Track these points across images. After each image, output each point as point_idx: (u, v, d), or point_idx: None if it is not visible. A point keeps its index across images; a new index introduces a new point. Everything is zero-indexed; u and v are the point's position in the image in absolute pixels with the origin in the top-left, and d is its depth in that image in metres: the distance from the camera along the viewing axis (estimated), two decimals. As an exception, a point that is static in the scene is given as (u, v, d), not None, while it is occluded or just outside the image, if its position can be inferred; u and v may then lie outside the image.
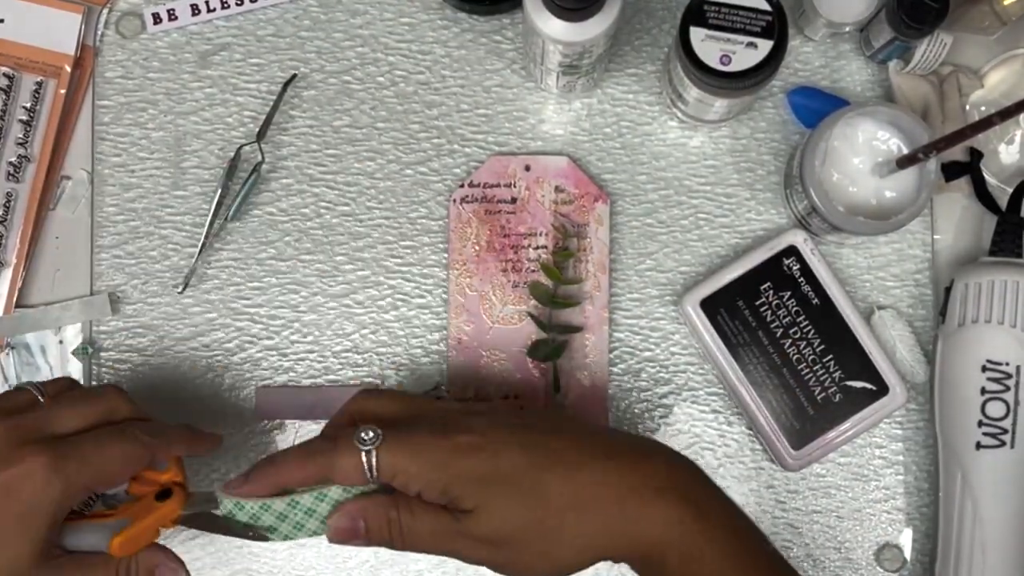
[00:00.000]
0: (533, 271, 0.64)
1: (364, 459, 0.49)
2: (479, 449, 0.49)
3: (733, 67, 0.55)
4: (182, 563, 0.54)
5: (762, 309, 0.62)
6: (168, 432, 0.54)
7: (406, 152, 0.65)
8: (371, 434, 0.49)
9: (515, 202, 0.64)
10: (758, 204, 0.65)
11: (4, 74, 0.64)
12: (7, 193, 0.64)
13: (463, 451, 0.49)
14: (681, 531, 0.49)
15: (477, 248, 0.64)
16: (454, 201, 0.64)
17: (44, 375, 0.64)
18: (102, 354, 0.64)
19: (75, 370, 0.64)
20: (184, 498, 0.53)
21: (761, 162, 0.66)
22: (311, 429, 0.64)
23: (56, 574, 0.50)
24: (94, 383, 0.64)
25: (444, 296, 0.65)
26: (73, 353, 0.64)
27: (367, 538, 0.51)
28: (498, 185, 0.64)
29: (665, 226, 0.65)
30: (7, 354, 0.64)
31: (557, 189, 0.64)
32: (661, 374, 0.65)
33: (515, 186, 0.64)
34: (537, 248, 0.64)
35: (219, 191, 0.63)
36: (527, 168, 0.64)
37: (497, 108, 0.66)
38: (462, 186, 0.64)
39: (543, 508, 0.49)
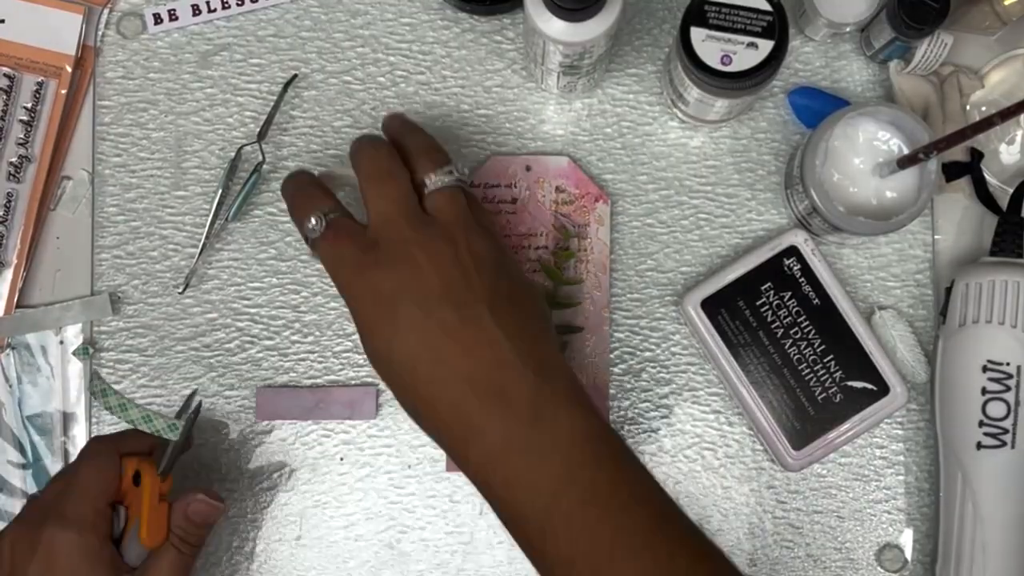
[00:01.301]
0: (534, 271, 0.64)
1: None
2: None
3: (734, 67, 0.55)
4: (206, 491, 0.58)
5: (763, 309, 0.62)
6: (122, 434, 0.60)
7: (406, 152, 0.65)
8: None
9: (516, 202, 0.64)
10: (759, 204, 0.65)
11: (5, 74, 0.64)
12: (8, 193, 0.64)
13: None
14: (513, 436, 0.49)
15: (477, 248, 0.64)
16: (454, 201, 0.64)
17: (44, 375, 0.64)
18: (102, 354, 0.64)
19: (75, 370, 0.64)
20: (153, 467, 0.58)
21: (762, 162, 0.66)
22: (312, 429, 0.64)
23: None
24: (94, 380, 0.64)
25: (444, 296, 0.65)
26: (74, 353, 0.64)
27: None
28: (499, 185, 0.64)
29: (666, 226, 0.65)
30: (7, 354, 0.64)
31: (558, 189, 0.64)
32: (662, 374, 0.65)
33: (516, 186, 0.64)
34: (538, 248, 0.64)
35: (219, 191, 0.63)
36: (528, 168, 0.64)
37: (498, 108, 0.66)
38: (462, 186, 0.64)
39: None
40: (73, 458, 0.64)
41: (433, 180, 0.53)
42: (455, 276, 0.50)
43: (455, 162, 0.55)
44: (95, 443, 0.59)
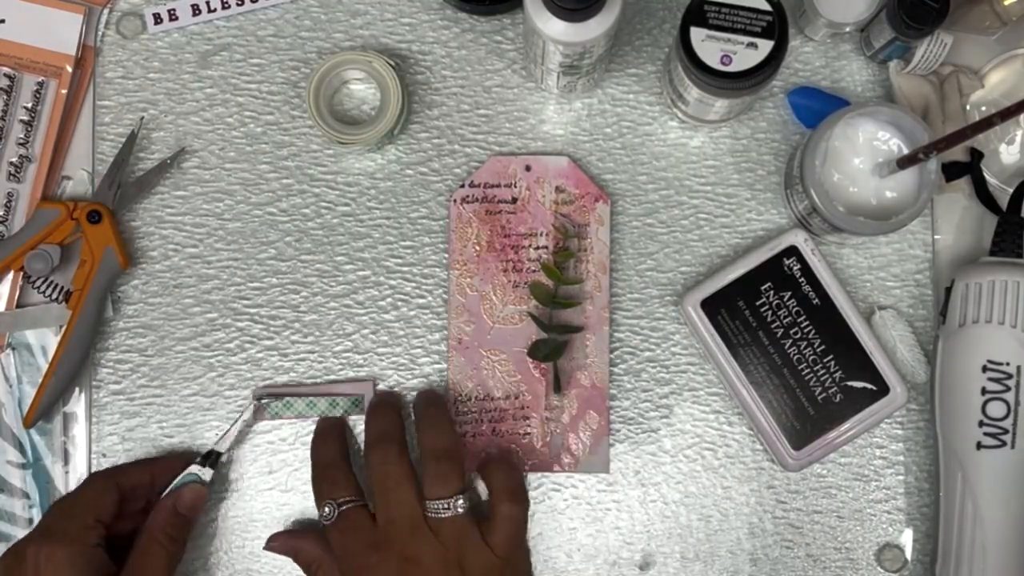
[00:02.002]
0: (534, 271, 0.64)
1: None
2: None
3: (733, 67, 0.55)
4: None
5: (763, 309, 0.62)
6: (123, 467, 0.63)
7: (407, 152, 0.65)
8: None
9: (516, 202, 0.64)
10: (759, 204, 0.65)
11: (5, 74, 0.64)
12: (8, 193, 0.64)
13: None
14: None
15: (478, 248, 0.64)
16: (455, 201, 0.64)
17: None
18: (102, 354, 0.64)
19: (75, 370, 0.64)
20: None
21: (761, 162, 0.66)
22: (312, 429, 0.64)
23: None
24: (94, 384, 0.64)
25: (444, 296, 0.65)
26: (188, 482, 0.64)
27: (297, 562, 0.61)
28: (499, 185, 0.64)
29: (666, 226, 0.65)
30: (7, 354, 0.64)
31: (558, 189, 0.64)
32: (662, 374, 0.65)
33: (516, 186, 0.64)
34: (538, 248, 0.64)
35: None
36: (528, 168, 0.64)
37: (497, 108, 0.66)
38: (463, 186, 0.64)
39: None
40: (73, 459, 0.64)
41: (438, 507, 0.57)
42: None
43: (469, 482, 0.58)
44: (95, 475, 0.62)
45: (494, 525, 0.57)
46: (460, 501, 0.57)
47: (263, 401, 0.63)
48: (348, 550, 0.57)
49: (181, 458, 0.63)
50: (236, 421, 0.63)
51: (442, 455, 0.58)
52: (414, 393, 0.64)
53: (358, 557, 0.57)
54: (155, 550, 0.58)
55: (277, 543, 0.62)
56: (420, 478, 0.58)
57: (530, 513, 0.64)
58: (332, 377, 0.64)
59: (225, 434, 0.62)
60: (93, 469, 0.64)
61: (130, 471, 0.61)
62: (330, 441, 0.62)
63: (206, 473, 0.61)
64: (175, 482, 0.60)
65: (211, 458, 0.62)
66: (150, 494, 0.61)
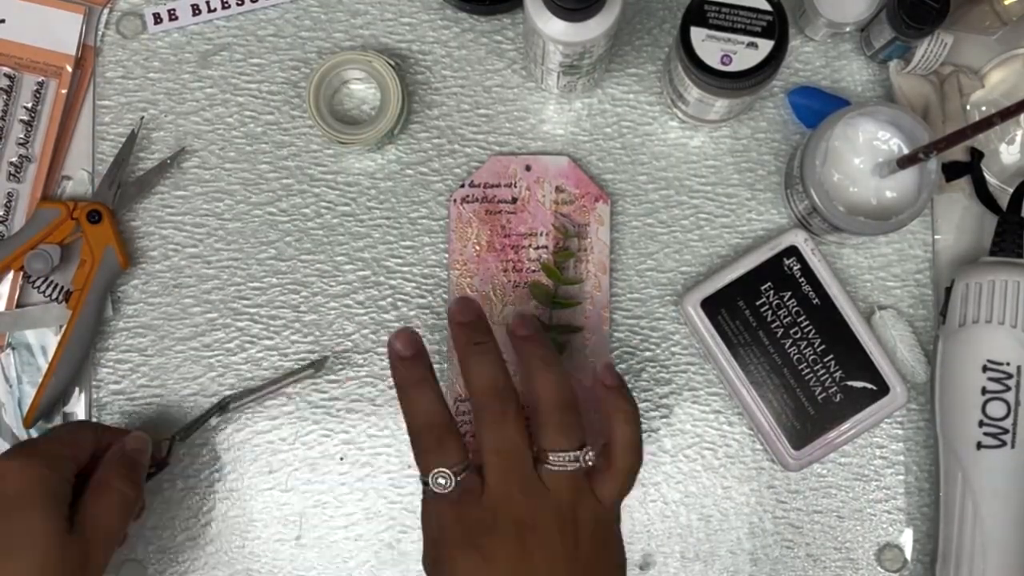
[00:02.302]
0: (534, 271, 0.64)
1: None
2: None
3: (734, 67, 0.55)
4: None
5: (763, 309, 0.62)
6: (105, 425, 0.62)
7: (407, 152, 0.65)
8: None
9: (516, 202, 0.64)
10: (759, 204, 0.65)
11: (5, 74, 0.64)
12: (8, 193, 0.64)
13: None
14: None
15: (478, 248, 0.64)
16: (454, 201, 0.64)
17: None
18: (102, 354, 0.64)
19: (75, 370, 0.64)
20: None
21: (762, 162, 0.66)
22: (311, 429, 0.64)
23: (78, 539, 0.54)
24: (94, 384, 0.64)
25: (444, 296, 0.65)
26: None
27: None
28: (499, 185, 0.64)
29: (666, 226, 0.65)
30: (7, 354, 0.64)
31: (558, 189, 0.64)
32: (662, 374, 0.65)
33: (516, 186, 0.64)
34: (538, 248, 0.64)
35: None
36: (528, 168, 0.64)
37: (498, 108, 0.66)
38: (463, 186, 0.64)
39: None
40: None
41: (559, 461, 0.52)
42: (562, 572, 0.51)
43: (587, 441, 0.54)
44: (83, 422, 0.63)
45: (610, 476, 0.53)
46: (590, 454, 0.53)
47: (229, 405, 0.63)
48: (461, 527, 0.52)
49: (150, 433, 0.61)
50: (199, 417, 0.63)
51: (564, 404, 0.53)
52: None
53: (474, 533, 0.52)
54: (109, 493, 0.56)
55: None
56: (532, 425, 0.53)
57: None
58: (332, 377, 0.64)
59: (186, 426, 0.63)
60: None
61: (111, 432, 0.60)
62: (425, 391, 0.54)
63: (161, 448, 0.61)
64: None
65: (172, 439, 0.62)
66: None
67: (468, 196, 0.64)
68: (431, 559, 0.53)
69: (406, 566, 0.64)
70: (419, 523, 0.64)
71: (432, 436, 0.53)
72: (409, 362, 0.54)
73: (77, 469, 0.56)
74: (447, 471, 0.52)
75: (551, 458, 0.52)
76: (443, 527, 0.53)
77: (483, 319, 0.56)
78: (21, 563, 0.51)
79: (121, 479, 0.57)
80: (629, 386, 0.64)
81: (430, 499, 0.54)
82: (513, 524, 0.51)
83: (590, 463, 0.53)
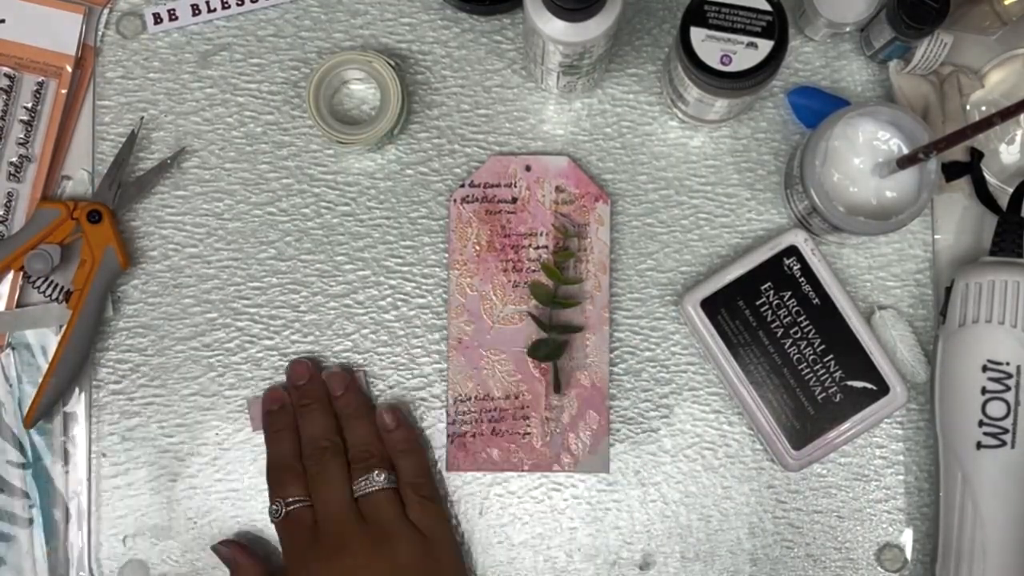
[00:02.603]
0: (534, 271, 0.64)
1: None
2: None
3: (733, 67, 0.55)
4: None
5: (763, 309, 0.62)
6: None
7: (406, 152, 0.65)
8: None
9: (516, 202, 0.64)
10: (758, 204, 0.65)
11: (5, 74, 0.64)
12: (8, 193, 0.64)
13: None
14: None
15: (478, 248, 0.64)
16: (454, 201, 0.64)
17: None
18: (102, 354, 0.64)
19: (75, 370, 0.64)
20: None
21: (761, 162, 0.66)
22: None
23: None
24: (94, 384, 0.64)
25: (444, 296, 0.65)
26: None
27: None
28: (499, 185, 0.64)
29: (666, 226, 0.65)
30: (7, 354, 0.64)
31: (558, 189, 0.64)
32: (662, 374, 0.65)
33: (516, 186, 0.64)
34: (538, 248, 0.64)
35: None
36: (528, 168, 0.64)
37: (497, 108, 0.66)
38: (462, 186, 0.64)
39: None
40: (73, 459, 0.64)
41: (361, 485, 0.60)
42: None
43: (388, 464, 0.62)
44: None
45: (409, 503, 0.61)
46: (379, 474, 0.60)
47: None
48: (291, 547, 0.61)
49: None
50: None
51: (359, 442, 0.62)
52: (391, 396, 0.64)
53: (297, 553, 0.60)
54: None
55: (224, 550, 0.63)
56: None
57: (530, 512, 0.64)
58: (332, 377, 0.65)
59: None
60: (93, 469, 0.64)
61: None
62: (283, 439, 0.63)
63: None
64: None
65: None
66: None
67: (468, 196, 0.64)
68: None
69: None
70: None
71: (275, 475, 0.62)
72: (279, 413, 0.63)
73: None
74: (280, 501, 0.61)
75: (354, 486, 0.60)
76: (284, 552, 0.61)
77: (315, 380, 0.64)
78: None
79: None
80: (629, 386, 0.64)
81: (276, 527, 0.62)
82: (334, 548, 0.59)
83: (379, 482, 0.60)
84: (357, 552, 0.59)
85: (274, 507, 0.61)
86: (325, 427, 0.62)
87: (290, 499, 0.61)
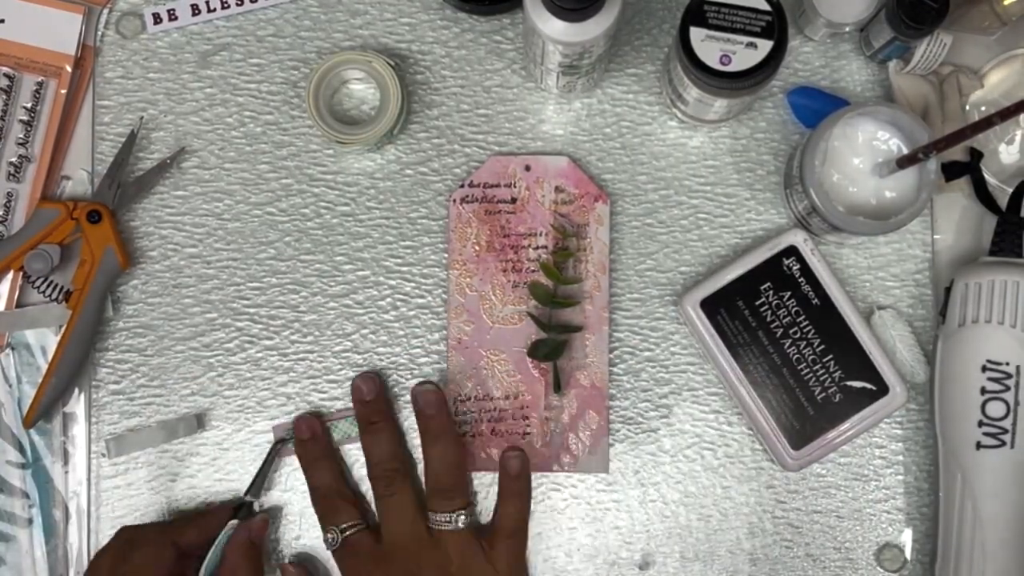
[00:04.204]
0: (533, 271, 0.64)
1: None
2: None
3: (733, 67, 0.55)
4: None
5: (762, 309, 0.62)
6: (179, 526, 0.62)
7: (406, 152, 0.65)
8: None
9: (515, 202, 0.64)
10: (758, 204, 0.65)
11: (5, 74, 0.64)
12: (8, 193, 0.64)
13: None
14: None
15: (477, 248, 0.64)
16: (454, 201, 0.64)
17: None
18: (102, 354, 0.65)
19: (75, 370, 0.64)
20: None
21: (761, 162, 0.66)
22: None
23: None
24: (94, 384, 0.64)
25: (444, 296, 0.65)
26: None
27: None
28: (498, 185, 0.64)
29: (665, 226, 0.65)
30: (7, 354, 0.64)
31: (557, 189, 0.64)
32: (661, 374, 0.65)
33: (515, 186, 0.64)
34: (537, 248, 0.64)
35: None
36: (527, 168, 0.64)
37: (497, 108, 0.66)
38: (462, 186, 0.64)
39: None
40: (73, 459, 0.64)
41: (439, 520, 0.60)
42: None
43: (471, 498, 0.63)
44: (152, 532, 0.61)
45: (497, 544, 0.60)
46: (462, 516, 0.59)
47: (285, 443, 0.63)
48: (353, 574, 0.60)
49: (224, 509, 0.62)
50: (260, 469, 0.63)
51: (446, 470, 0.61)
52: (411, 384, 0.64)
53: None
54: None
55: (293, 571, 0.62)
56: (425, 490, 0.61)
57: (531, 513, 0.64)
58: (332, 377, 0.64)
59: (252, 483, 0.63)
60: (93, 469, 0.64)
61: (187, 530, 0.61)
62: (323, 468, 0.62)
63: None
64: (219, 541, 0.60)
65: (243, 508, 0.62)
66: (203, 549, 0.60)
67: (467, 196, 0.64)
68: None
69: (406, 566, 0.64)
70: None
71: (326, 504, 0.62)
72: (310, 443, 0.63)
73: None
74: (335, 528, 0.60)
75: (431, 517, 0.60)
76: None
77: (380, 398, 0.63)
78: None
79: (248, 566, 0.60)
80: (629, 386, 0.64)
81: (333, 555, 0.61)
82: (400, 572, 0.58)
83: (460, 524, 0.59)
84: None
85: (330, 536, 0.60)
86: (394, 448, 0.62)
87: (345, 525, 0.60)
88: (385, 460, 0.61)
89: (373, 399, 0.62)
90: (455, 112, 0.66)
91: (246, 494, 0.63)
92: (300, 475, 0.64)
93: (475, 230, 0.64)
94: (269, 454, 0.63)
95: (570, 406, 0.63)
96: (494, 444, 0.63)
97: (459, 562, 0.59)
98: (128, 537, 0.60)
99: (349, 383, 0.64)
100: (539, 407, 0.64)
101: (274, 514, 0.64)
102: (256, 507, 0.63)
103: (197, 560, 0.60)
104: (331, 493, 0.62)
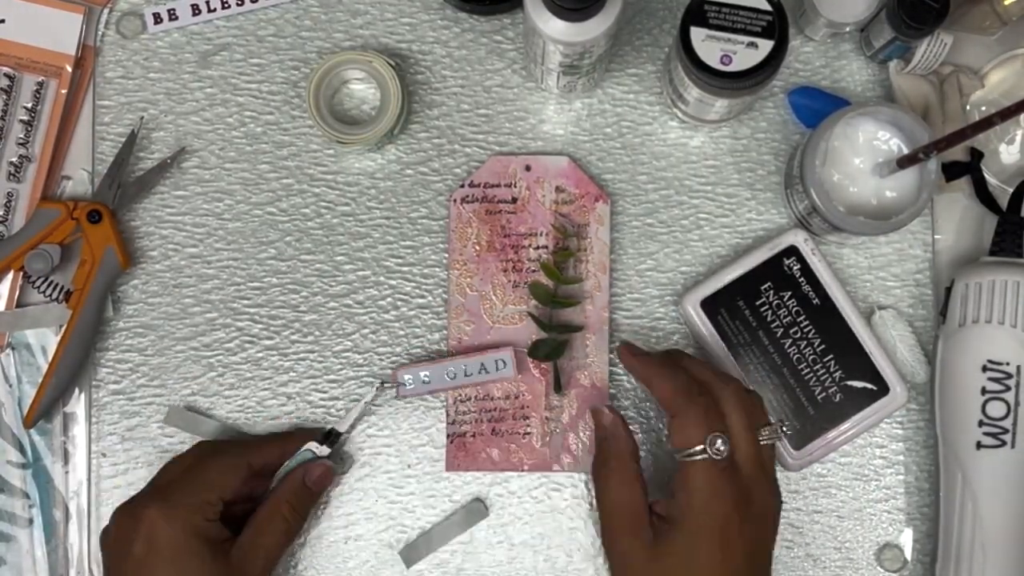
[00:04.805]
0: (533, 271, 0.64)
1: None
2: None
3: (734, 67, 0.55)
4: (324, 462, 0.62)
5: (762, 309, 0.62)
6: (257, 444, 0.62)
7: (407, 152, 0.65)
8: None
9: (515, 202, 0.64)
10: (759, 204, 0.65)
11: (5, 74, 0.64)
12: (8, 193, 0.64)
13: None
14: None
15: (477, 248, 0.64)
16: (454, 201, 0.64)
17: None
18: (102, 354, 0.64)
19: (75, 370, 0.64)
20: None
21: (762, 162, 0.66)
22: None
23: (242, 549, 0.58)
24: (94, 384, 0.64)
25: (444, 296, 0.65)
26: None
27: None
28: (498, 185, 0.64)
29: (665, 226, 0.65)
30: (7, 354, 0.64)
31: (558, 189, 0.64)
32: (661, 374, 0.65)
33: (515, 186, 0.64)
34: (537, 248, 0.64)
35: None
36: (528, 168, 0.64)
37: (498, 108, 0.66)
38: (462, 186, 0.64)
39: None
40: (73, 459, 0.64)
41: (768, 433, 0.56)
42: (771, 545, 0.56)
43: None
44: (226, 448, 0.61)
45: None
46: (778, 427, 0.57)
47: (386, 384, 0.63)
48: (725, 492, 0.54)
49: (305, 433, 0.63)
50: (360, 402, 0.63)
51: (751, 402, 0.57)
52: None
53: (733, 502, 0.54)
54: (277, 520, 0.59)
55: (607, 414, 0.60)
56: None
57: (530, 512, 0.64)
58: (332, 377, 0.64)
59: (348, 415, 0.63)
60: (93, 469, 0.64)
61: (264, 449, 0.61)
62: (674, 367, 0.57)
63: (322, 451, 0.61)
64: (292, 459, 0.61)
65: (331, 437, 0.62)
66: (277, 469, 0.61)
67: (468, 196, 0.64)
68: (701, 525, 0.54)
69: (405, 567, 0.64)
70: (418, 523, 0.64)
71: (700, 401, 0.55)
72: (638, 358, 0.59)
73: (226, 496, 0.58)
74: (724, 437, 0.54)
75: (762, 434, 0.56)
76: (707, 497, 0.54)
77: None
78: None
79: (293, 512, 0.59)
80: (629, 386, 0.64)
81: (698, 465, 0.54)
82: (766, 509, 0.55)
83: (776, 437, 0.56)
84: (775, 517, 0.56)
85: (720, 443, 0.53)
86: (705, 363, 0.59)
87: (726, 435, 0.54)
88: (704, 370, 0.57)
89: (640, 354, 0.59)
90: (455, 112, 0.66)
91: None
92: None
93: (475, 230, 0.64)
94: (372, 394, 0.63)
95: (570, 406, 0.63)
96: (494, 444, 0.63)
97: (772, 481, 0.57)
98: (206, 448, 0.61)
99: (349, 383, 0.64)
100: (539, 407, 0.63)
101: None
102: (343, 438, 0.63)
103: (269, 480, 0.60)
104: (700, 394, 0.55)
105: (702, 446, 0.53)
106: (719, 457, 0.53)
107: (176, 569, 0.55)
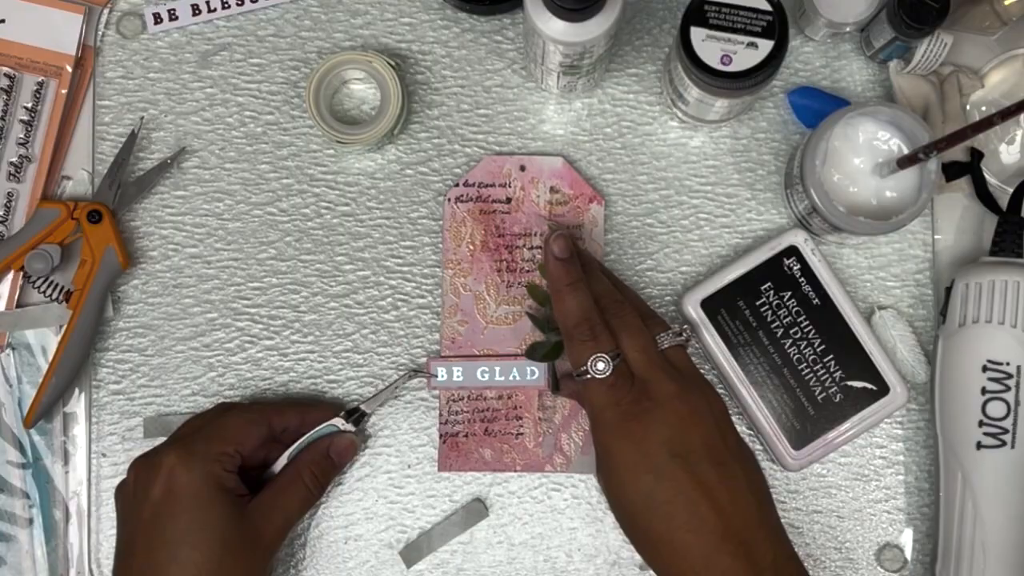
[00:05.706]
0: (527, 271, 0.64)
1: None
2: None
3: (734, 67, 0.55)
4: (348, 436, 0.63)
5: (763, 309, 0.62)
6: (279, 407, 0.62)
7: (406, 152, 0.65)
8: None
9: (510, 202, 0.64)
10: (759, 204, 0.65)
11: (5, 74, 0.65)
12: (8, 193, 0.64)
13: None
14: None
15: (471, 247, 0.64)
16: (449, 200, 0.64)
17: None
18: (102, 354, 0.65)
19: (76, 370, 0.64)
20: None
21: (762, 162, 0.66)
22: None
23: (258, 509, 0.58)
24: (94, 384, 0.64)
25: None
26: None
27: None
28: (493, 185, 0.64)
29: (665, 226, 0.65)
30: (7, 354, 0.64)
31: (552, 190, 0.64)
32: (661, 374, 0.64)
33: (510, 186, 0.64)
34: (531, 248, 0.64)
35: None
36: (522, 168, 0.64)
37: (498, 108, 0.66)
38: (457, 185, 0.64)
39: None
40: (73, 459, 0.64)
41: (670, 337, 0.57)
42: (712, 433, 0.55)
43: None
44: (248, 406, 0.62)
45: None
46: (680, 332, 0.58)
47: (418, 373, 0.64)
48: (616, 404, 0.55)
49: (331, 408, 0.63)
50: (388, 384, 0.63)
51: (642, 303, 0.61)
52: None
53: (626, 409, 0.55)
54: (299, 485, 0.59)
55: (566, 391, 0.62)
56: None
57: (530, 512, 0.64)
58: (332, 377, 0.65)
59: (376, 394, 0.63)
60: (93, 469, 0.64)
61: (285, 412, 0.61)
62: (579, 291, 0.58)
63: (347, 428, 0.62)
64: (314, 431, 0.61)
65: (355, 414, 0.62)
66: (297, 437, 0.61)
67: (462, 195, 0.64)
68: (597, 441, 0.56)
69: (406, 566, 0.64)
70: (418, 523, 0.64)
71: (587, 327, 0.57)
72: (564, 263, 0.58)
73: (244, 456, 0.58)
74: (605, 356, 0.55)
75: (662, 338, 0.57)
76: (603, 408, 0.55)
77: (575, 257, 0.59)
78: (199, 553, 0.55)
79: (313, 480, 0.60)
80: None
81: (590, 386, 0.56)
82: (665, 397, 0.55)
83: (677, 342, 0.58)
84: (688, 404, 0.55)
85: (600, 363, 0.55)
86: (609, 287, 0.59)
87: (611, 353, 0.56)
88: (609, 294, 0.58)
89: (568, 257, 0.59)
90: (455, 112, 0.66)
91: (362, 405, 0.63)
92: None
93: (469, 229, 0.64)
94: (401, 377, 0.63)
95: (563, 407, 0.63)
96: (487, 444, 0.63)
97: (691, 376, 0.57)
98: (227, 406, 0.62)
99: (349, 383, 0.64)
100: (532, 407, 0.63)
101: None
102: (368, 419, 0.63)
103: (284, 448, 0.60)
104: (591, 319, 0.57)
105: (585, 367, 0.55)
106: (601, 376, 0.55)
107: (194, 514, 0.55)
